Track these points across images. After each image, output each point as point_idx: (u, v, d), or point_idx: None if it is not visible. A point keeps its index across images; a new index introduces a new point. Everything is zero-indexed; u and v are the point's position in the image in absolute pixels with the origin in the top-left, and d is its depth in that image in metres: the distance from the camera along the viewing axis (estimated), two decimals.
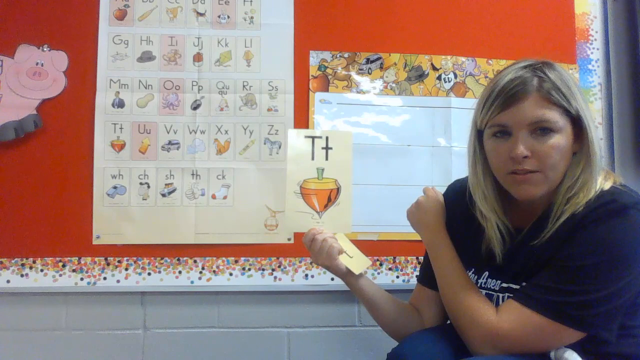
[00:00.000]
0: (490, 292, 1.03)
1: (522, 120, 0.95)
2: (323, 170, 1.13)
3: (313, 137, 1.14)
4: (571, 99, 0.95)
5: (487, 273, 1.06)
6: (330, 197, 1.13)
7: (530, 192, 0.97)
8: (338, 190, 1.13)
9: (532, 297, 0.93)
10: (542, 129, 0.95)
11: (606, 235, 0.91)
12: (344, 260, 1.11)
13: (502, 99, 0.96)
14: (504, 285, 1.02)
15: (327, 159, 1.13)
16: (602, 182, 0.97)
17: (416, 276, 1.59)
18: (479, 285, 1.06)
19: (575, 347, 0.92)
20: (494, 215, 1.04)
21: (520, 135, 0.95)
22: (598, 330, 0.92)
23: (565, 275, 0.91)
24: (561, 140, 0.95)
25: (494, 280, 1.04)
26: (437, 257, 1.10)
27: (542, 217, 0.99)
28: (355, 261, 1.12)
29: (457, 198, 1.15)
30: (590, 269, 0.90)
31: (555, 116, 0.95)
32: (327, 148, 1.14)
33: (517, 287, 0.99)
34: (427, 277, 1.18)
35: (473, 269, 1.08)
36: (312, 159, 1.13)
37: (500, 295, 1.01)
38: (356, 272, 1.12)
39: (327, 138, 1.14)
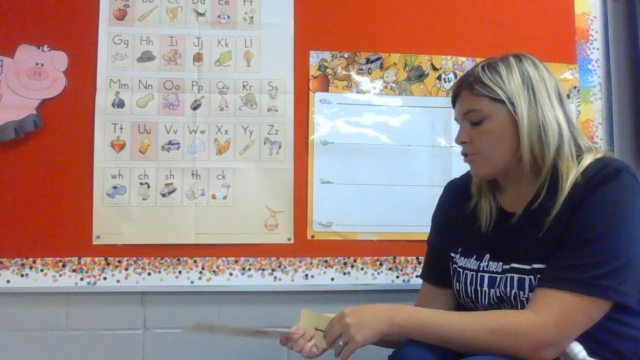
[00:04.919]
0: (493, 274, 1.05)
1: (459, 113, 1.11)
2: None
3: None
4: (496, 87, 1.04)
5: (487, 256, 1.08)
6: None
7: (477, 172, 1.10)
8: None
9: (560, 278, 0.93)
10: (474, 118, 1.07)
11: (606, 200, 0.94)
12: (319, 343, 1.12)
13: (452, 96, 1.14)
14: (506, 266, 1.03)
15: None
16: (594, 154, 1.00)
17: (417, 276, 1.61)
18: (480, 269, 1.08)
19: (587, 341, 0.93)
20: (489, 195, 1.13)
21: (462, 125, 1.11)
22: (628, 298, 0.93)
23: (583, 249, 0.93)
24: (492, 124, 1.04)
25: (495, 262, 1.06)
26: (422, 325, 0.99)
27: (535, 198, 1.02)
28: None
29: (455, 193, 1.22)
30: (604, 237, 0.92)
31: (480, 105, 1.05)
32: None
33: (525, 266, 1.00)
34: (431, 274, 1.23)
35: (475, 255, 1.11)
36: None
37: (504, 276, 1.02)
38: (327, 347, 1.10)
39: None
